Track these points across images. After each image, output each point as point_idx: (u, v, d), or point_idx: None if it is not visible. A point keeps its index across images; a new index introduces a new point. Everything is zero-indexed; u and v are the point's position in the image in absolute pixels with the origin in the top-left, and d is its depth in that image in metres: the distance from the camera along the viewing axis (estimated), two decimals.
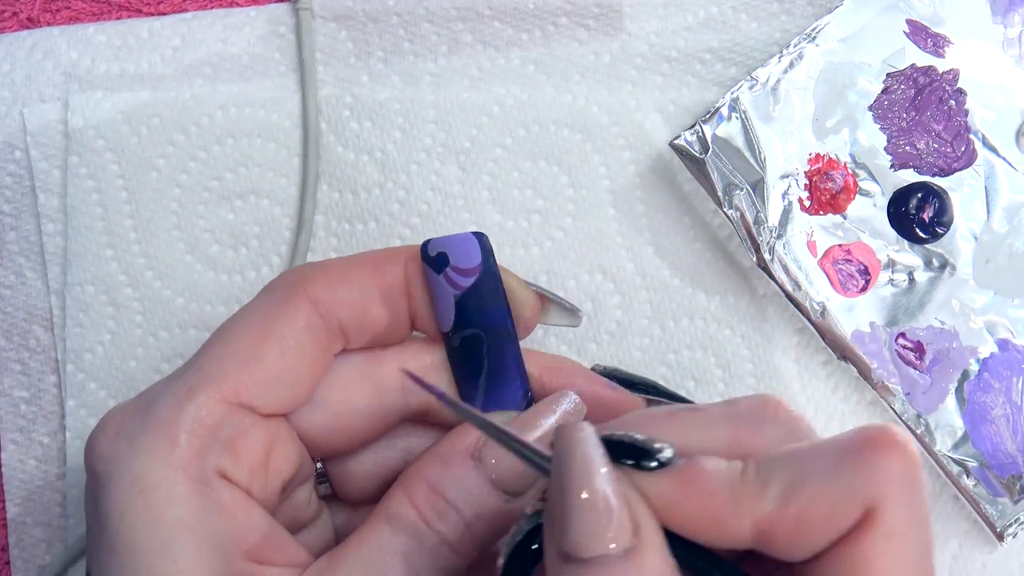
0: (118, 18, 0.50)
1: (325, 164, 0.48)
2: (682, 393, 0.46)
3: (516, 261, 0.47)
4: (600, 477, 0.29)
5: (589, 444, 0.30)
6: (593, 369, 0.41)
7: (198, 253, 0.48)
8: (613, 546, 0.28)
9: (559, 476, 0.29)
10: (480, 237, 0.37)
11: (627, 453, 0.30)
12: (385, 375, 0.38)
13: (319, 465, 0.40)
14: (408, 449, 0.40)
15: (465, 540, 0.35)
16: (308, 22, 0.49)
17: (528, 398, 0.38)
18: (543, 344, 0.47)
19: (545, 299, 0.39)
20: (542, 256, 0.48)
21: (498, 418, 0.36)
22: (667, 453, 0.30)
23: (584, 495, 0.29)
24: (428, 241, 0.37)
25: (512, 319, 0.38)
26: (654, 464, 0.30)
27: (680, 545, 0.30)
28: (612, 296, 0.47)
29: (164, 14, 0.50)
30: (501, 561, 0.31)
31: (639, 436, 0.31)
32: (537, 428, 0.36)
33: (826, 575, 0.29)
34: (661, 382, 0.43)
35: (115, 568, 0.33)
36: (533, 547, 0.31)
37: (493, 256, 0.37)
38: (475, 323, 0.37)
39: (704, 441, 0.32)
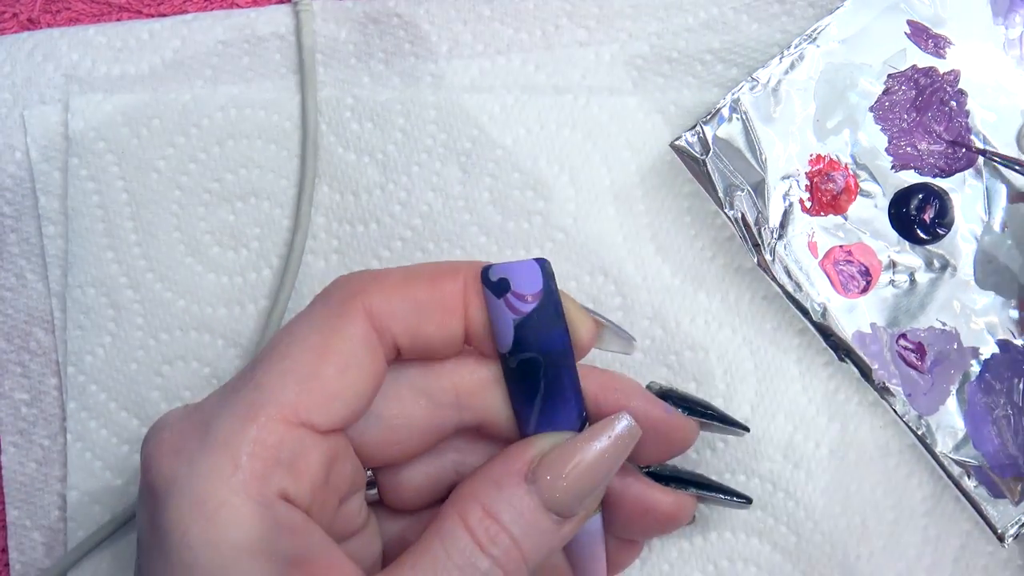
0: (118, 19, 0.50)
1: (326, 165, 0.48)
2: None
3: None
4: None
5: None
6: (649, 387, 0.41)
7: (199, 255, 0.48)
8: None
9: None
10: (543, 264, 0.37)
11: None
12: (441, 390, 0.38)
13: (369, 473, 0.40)
14: (459, 460, 0.40)
15: (517, 563, 0.35)
16: (308, 23, 0.49)
17: (583, 419, 0.38)
18: None
19: (601, 324, 0.39)
20: (542, 256, 0.47)
21: (551, 439, 0.37)
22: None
23: None
24: (490, 266, 0.37)
25: (571, 344, 0.37)
26: None
27: None
28: (613, 297, 0.47)
29: (164, 15, 0.50)
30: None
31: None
32: (590, 451, 0.37)
33: None
34: (662, 382, 0.43)
35: None
36: None
37: (555, 282, 0.37)
38: (533, 347, 0.37)
39: None
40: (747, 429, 0.43)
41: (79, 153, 0.48)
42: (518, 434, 0.38)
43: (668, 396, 0.41)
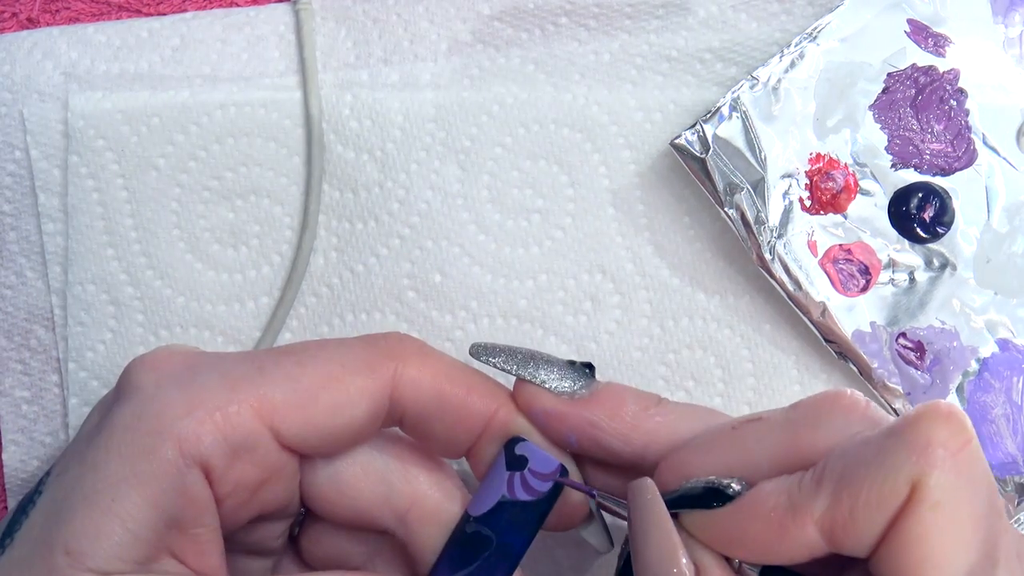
0: (118, 18, 0.50)
1: (325, 163, 0.48)
2: (681, 394, 0.47)
3: (515, 260, 0.47)
4: (663, 533, 0.33)
5: (650, 505, 0.33)
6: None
7: (198, 252, 0.48)
8: None
9: (632, 535, 0.34)
10: (564, 472, 0.37)
11: (697, 498, 0.34)
12: (402, 485, 0.38)
13: (301, 513, 0.40)
14: (375, 552, 0.40)
15: None
16: (308, 22, 0.49)
17: None
18: (542, 344, 0.47)
19: (590, 512, 0.39)
20: (542, 255, 0.48)
21: None
22: (735, 487, 0.33)
23: (651, 551, 0.33)
24: (522, 441, 0.37)
25: (525, 552, 0.37)
26: (719, 502, 0.33)
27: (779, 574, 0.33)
28: (612, 296, 0.47)
29: (164, 14, 0.50)
30: (618, 565, 0.36)
31: (707, 480, 0.34)
32: None
33: (889, 561, 0.30)
34: (660, 382, 0.43)
35: (70, 477, 0.34)
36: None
37: (559, 494, 0.37)
38: (497, 530, 0.37)
39: (765, 453, 0.33)
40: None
41: (79, 151, 0.48)
42: None
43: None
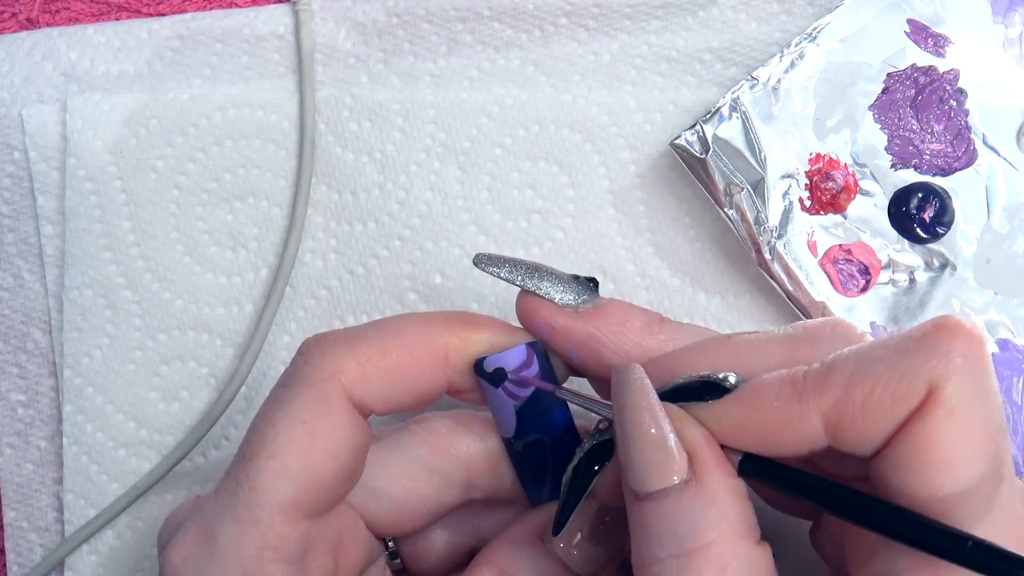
0: (118, 19, 0.50)
1: (324, 165, 0.48)
2: None
3: None
4: (652, 416, 0.32)
5: (639, 387, 0.32)
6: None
7: (197, 255, 0.48)
8: (675, 479, 0.31)
9: (618, 421, 0.32)
10: (534, 347, 0.37)
11: (692, 390, 0.33)
12: (451, 470, 0.37)
13: (391, 544, 0.40)
14: (479, 527, 0.40)
15: None
16: (307, 23, 0.49)
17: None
18: None
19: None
20: (542, 256, 0.47)
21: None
22: (731, 380, 0.32)
23: (639, 436, 0.31)
24: (484, 358, 0.36)
25: (572, 419, 0.37)
26: (716, 395, 0.32)
27: (759, 464, 0.32)
28: (612, 296, 0.47)
29: (164, 15, 0.50)
30: (566, 477, 0.35)
31: (702, 373, 0.33)
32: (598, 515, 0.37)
33: (896, 462, 0.30)
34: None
35: None
36: (595, 467, 0.34)
37: (550, 362, 0.37)
38: (537, 429, 0.37)
39: (760, 359, 0.33)
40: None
41: (77, 153, 0.48)
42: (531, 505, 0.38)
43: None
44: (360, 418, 0.36)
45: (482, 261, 0.38)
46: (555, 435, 0.37)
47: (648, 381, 0.32)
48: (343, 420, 0.35)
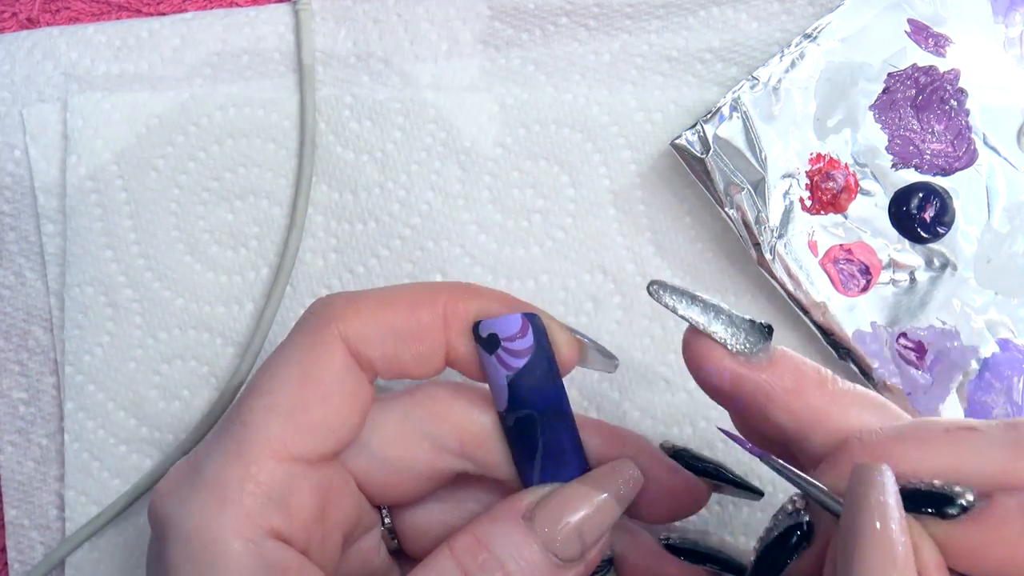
0: (118, 18, 0.50)
1: (324, 164, 0.48)
2: (683, 396, 0.46)
3: (516, 261, 0.47)
4: (892, 524, 0.29)
5: (889, 499, 0.30)
6: (662, 446, 0.40)
7: (197, 253, 0.48)
8: None
9: (851, 518, 0.30)
10: (532, 318, 0.37)
11: (926, 499, 0.30)
12: (445, 435, 0.37)
13: (387, 520, 0.40)
14: (476, 511, 0.40)
15: None
16: (308, 22, 0.49)
17: (586, 472, 0.38)
18: None
19: (583, 344, 0.38)
20: (543, 256, 0.47)
21: (552, 485, 0.36)
22: (968, 498, 0.30)
23: (874, 547, 0.29)
24: (480, 322, 0.36)
25: (567, 399, 0.37)
26: (955, 511, 0.30)
27: None
28: (613, 296, 0.47)
29: (164, 14, 0.50)
30: (757, 545, 0.33)
31: (938, 483, 0.31)
32: (589, 496, 0.36)
33: None
34: (662, 383, 0.43)
35: None
36: (792, 546, 0.33)
37: (546, 337, 0.37)
38: (528, 404, 0.36)
39: (983, 466, 0.31)
40: (762, 494, 0.40)
41: (78, 152, 0.48)
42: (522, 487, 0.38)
43: (680, 456, 0.39)
44: (358, 370, 0.36)
45: (658, 290, 0.35)
46: (546, 413, 0.37)
47: (898, 494, 0.30)
48: (338, 365, 0.35)
